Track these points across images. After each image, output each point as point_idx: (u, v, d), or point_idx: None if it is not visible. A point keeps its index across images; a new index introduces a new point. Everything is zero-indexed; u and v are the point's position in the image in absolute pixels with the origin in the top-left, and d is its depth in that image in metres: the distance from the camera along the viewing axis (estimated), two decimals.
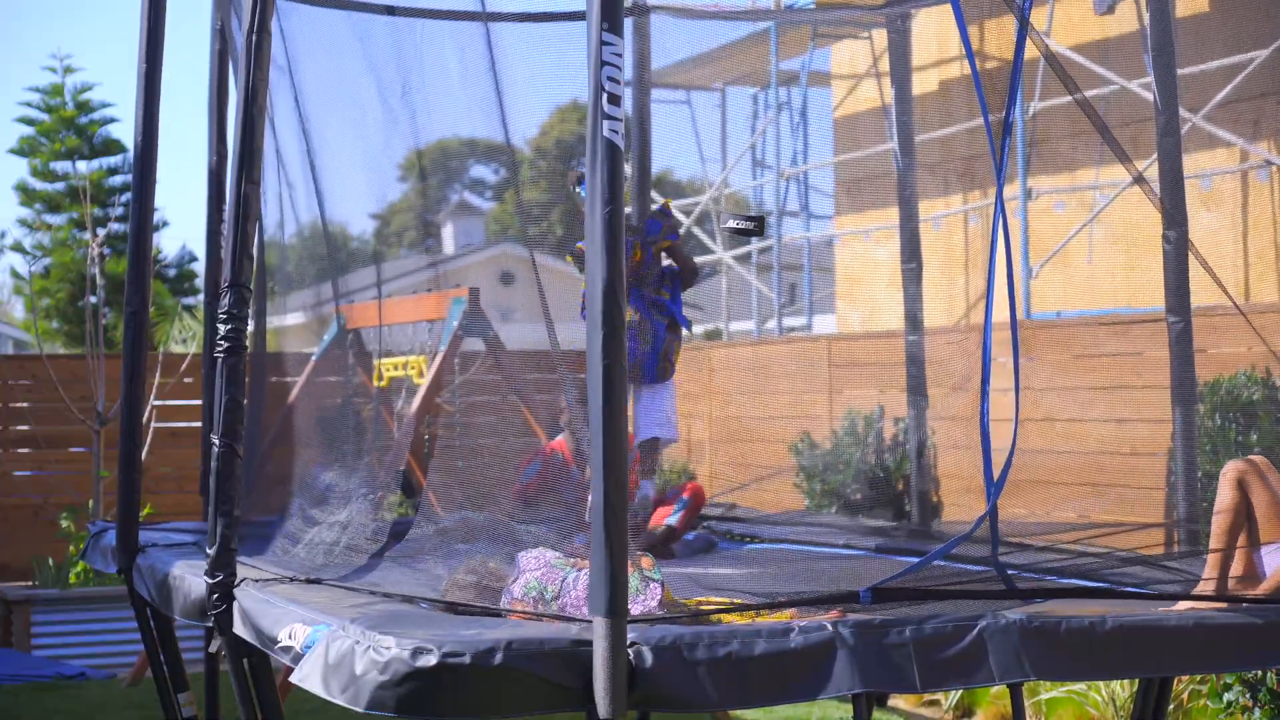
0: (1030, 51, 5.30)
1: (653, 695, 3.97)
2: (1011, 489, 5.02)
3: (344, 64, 7.77)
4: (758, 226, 6.87)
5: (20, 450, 12.95)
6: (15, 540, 12.26)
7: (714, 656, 4.03)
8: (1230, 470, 5.39)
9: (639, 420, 7.17)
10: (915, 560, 5.14)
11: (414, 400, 9.24)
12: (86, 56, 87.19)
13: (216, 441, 5.12)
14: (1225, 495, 5.34)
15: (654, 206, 7.41)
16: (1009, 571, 5.02)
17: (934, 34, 13.17)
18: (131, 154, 9.24)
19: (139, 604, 6.58)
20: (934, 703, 9.17)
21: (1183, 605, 5.10)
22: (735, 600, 4.69)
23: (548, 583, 4.60)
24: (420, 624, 4.28)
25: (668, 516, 7.02)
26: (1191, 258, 6.38)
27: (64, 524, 11.63)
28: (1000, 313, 5.05)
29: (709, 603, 4.74)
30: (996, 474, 4.84)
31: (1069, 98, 11.69)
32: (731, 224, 6.90)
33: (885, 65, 9.71)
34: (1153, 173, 6.58)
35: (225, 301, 5.15)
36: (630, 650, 3.95)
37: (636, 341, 7.12)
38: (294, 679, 4.16)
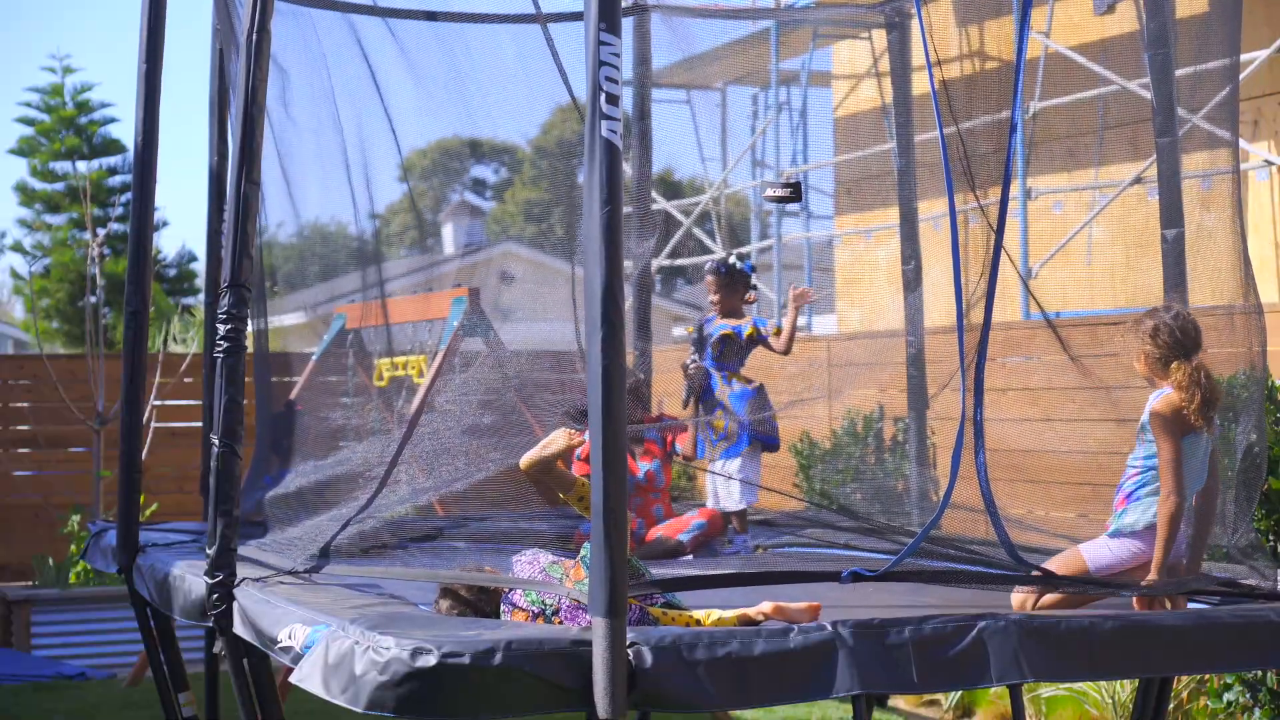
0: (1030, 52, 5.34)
1: (653, 695, 3.96)
2: (1011, 489, 5.01)
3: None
4: (794, 193, 7.17)
5: (20, 450, 12.95)
6: (15, 540, 12.27)
7: (714, 656, 4.03)
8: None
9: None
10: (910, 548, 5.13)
11: (414, 400, 9.23)
12: (86, 56, 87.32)
13: (216, 441, 5.13)
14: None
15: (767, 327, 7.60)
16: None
17: (933, 33, 13.14)
18: (131, 154, 9.24)
19: (139, 604, 6.58)
20: (934, 702, 9.17)
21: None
22: (695, 614, 4.62)
23: (547, 597, 4.58)
24: (420, 624, 4.28)
25: (680, 533, 7.09)
26: (1189, 257, 6.39)
27: (70, 524, 11.62)
28: (998, 314, 5.07)
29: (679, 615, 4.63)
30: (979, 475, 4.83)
31: (1069, 98, 11.72)
32: (770, 192, 7.18)
33: (885, 65, 9.73)
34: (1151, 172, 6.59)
35: (225, 301, 5.15)
36: (630, 650, 3.95)
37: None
38: (294, 679, 4.15)
